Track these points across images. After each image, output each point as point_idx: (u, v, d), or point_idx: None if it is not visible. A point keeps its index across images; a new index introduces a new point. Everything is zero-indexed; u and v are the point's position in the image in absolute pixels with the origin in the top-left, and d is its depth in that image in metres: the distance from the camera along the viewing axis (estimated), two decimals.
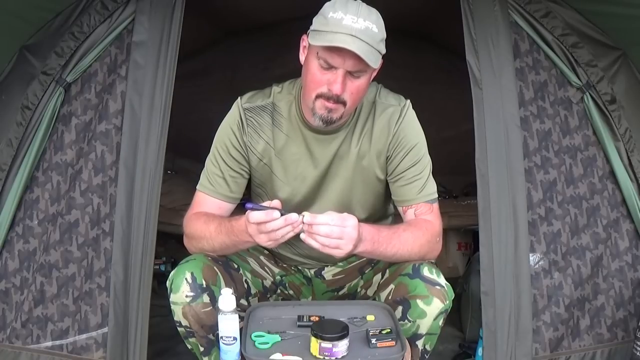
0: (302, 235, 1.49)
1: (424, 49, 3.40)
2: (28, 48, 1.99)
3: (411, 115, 1.73)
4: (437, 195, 1.75)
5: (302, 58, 1.64)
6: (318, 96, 1.57)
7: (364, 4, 1.55)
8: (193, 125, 3.09)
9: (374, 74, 1.63)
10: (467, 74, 1.91)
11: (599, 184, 2.02)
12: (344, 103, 1.57)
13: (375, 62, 1.53)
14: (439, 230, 1.72)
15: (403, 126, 1.71)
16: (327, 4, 1.56)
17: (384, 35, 1.55)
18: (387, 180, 1.77)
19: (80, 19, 1.93)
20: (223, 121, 1.76)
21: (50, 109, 1.92)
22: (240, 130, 1.72)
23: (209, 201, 1.74)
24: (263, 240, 1.50)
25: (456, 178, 3.05)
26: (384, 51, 1.56)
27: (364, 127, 1.72)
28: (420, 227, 1.68)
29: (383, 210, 1.90)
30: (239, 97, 1.76)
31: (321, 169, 1.73)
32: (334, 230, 1.46)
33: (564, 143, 2.00)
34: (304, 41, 1.62)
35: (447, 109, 3.08)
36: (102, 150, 1.91)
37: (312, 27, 1.57)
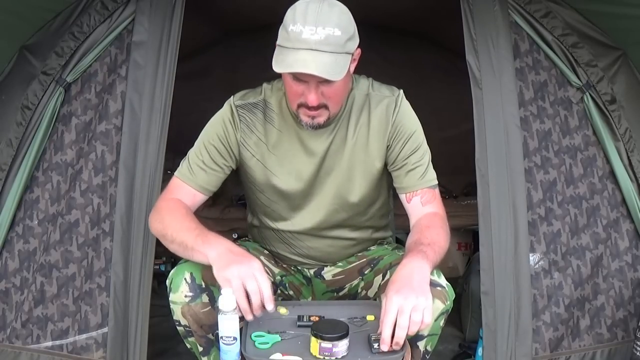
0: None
1: (423, 48, 3.40)
2: (28, 48, 1.99)
3: (406, 104, 1.75)
4: (437, 182, 1.76)
5: None
6: (299, 106, 1.59)
7: (326, 3, 1.50)
8: (193, 126, 3.07)
9: (354, 65, 1.61)
10: (466, 73, 1.91)
11: (599, 184, 2.02)
12: (325, 107, 1.58)
13: (341, 72, 1.49)
14: (445, 215, 1.74)
15: (400, 115, 1.72)
16: (288, 13, 1.52)
17: (351, 32, 1.52)
18: (386, 171, 1.78)
19: (80, 19, 1.93)
20: (213, 117, 1.76)
21: (50, 109, 1.92)
22: (233, 126, 1.72)
23: (185, 189, 1.72)
24: (222, 279, 1.47)
25: (456, 178, 3.04)
26: (352, 50, 1.54)
27: (359, 120, 1.73)
28: (437, 226, 1.68)
29: (385, 206, 1.90)
30: (231, 96, 1.76)
31: (316, 162, 1.73)
32: (404, 318, 1.39)
33: (564, 143, 2.00)
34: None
35: (447, 109, 3.08)
36: (102, 150, 1.91)
37: (277, 41, 1.54)
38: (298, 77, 1.52)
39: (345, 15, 1.52)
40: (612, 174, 2.02)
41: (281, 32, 1.53)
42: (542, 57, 1.98)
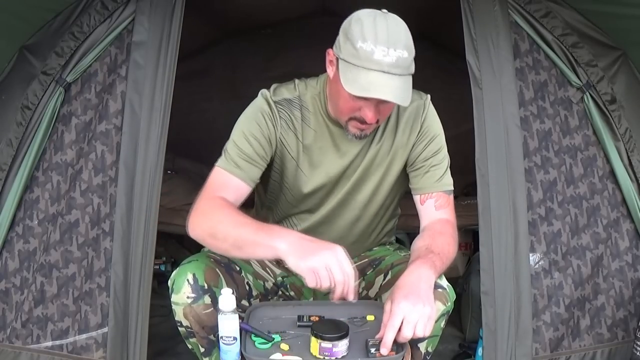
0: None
1: (424, 48, 3.37)
2: (28, 48, 1.99)
3: (433, 109, 1.77)
4: (453, 188, 1.77)
5: (329, 71, 1.60)
6: (351, 119, 1.59)
7: (391, 19, 1.49)
8: (193, 126, 3.08)
9: None
10: (467, 73, 1.91)
11: (599, 183, 2.02)
12: (377, 121, 1.59)
13: (409, 96, 1.50)
14: (455, 223, 1.74)
15: (428, 118, 1.74)
16: (354, 26, 1.49)
17: (414, 53, 1.51)
18: (402, 174, 1.78)
19: (80, 19, 1.93)
20: (250, 109, 1.70)
21: (50, 109, 1.92)
22: (273, 121, 1.68)
23: (229, 181, 1.63)
24: (306, 268, 1.39)
25: (456, 178, 3.04)
26: (414, 70, 1.53)
27: (387, 122, 1.73)
28: (447, 233, 1.68)
29: (395, 207, 1.90)
30: (264, 90, 1.71)
31: (345, 164, 1.73)
32: (410, 321, 1.39)
33: (564, 143, 2.00)
34: (330, 55, 1.58)
35: (447, 109, 3.07)
36: (102, 150, 1.91)
37: (340, 54, 1.51)
38: (362, 97, 1.50)
39: (409, 34, 1.51)
40: (612, 174, 2.02)
41: (347, 47, 1.49)
42: (542, 57, 1.98)
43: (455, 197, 3.06)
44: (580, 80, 1.98)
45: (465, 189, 3.12)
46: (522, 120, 1.94)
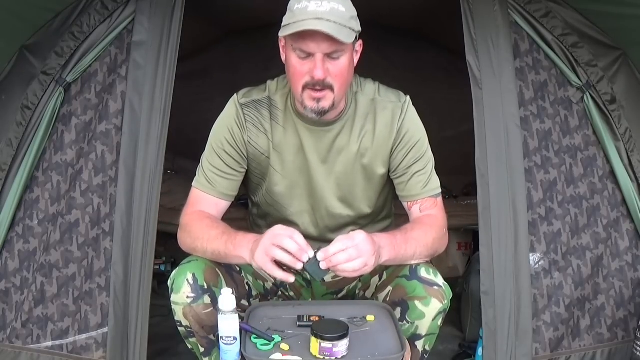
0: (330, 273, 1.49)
1: (424, 48, 3.40)
2: (28, 48, 1.99)
3: (412, 111, 1.74)
4: (440, 190, 1.77)
5: (283, 57, 1.64)
6: (304, 87, 1.57)
7: None
8: (193, 126, 3.07)
9: (357, 57, 1.64)
10: (467, 73, 1.91)
11: (599, 183, 2.02)
12: (330, 88, 1.57)
13: (348, 37, 1.52)
14: (444, 222, 1.74)
15: (406, 122, 1.72)
16: None
17: (354, 12, 1.56)
18: (389, 177, 1.78)
19: (80, 19, 1.93)
20: (220, 118, 1.76)
21: (50, 109, 1.92)
22: (240, 127, 1.72)
23: (206, 200, 1.73)
24: (260, 258, 1.47)
25: (456, 178, 3.05)
26: (357, 28, 1.56)
27: (364, 125, 1.73)
28: (426, 224, 1.70)
29: (387, 208, 1.91)
30: (234, 94, 1.76)
31: (316, 162, 1.73)
32: (351, 253, 1.44)
33: (564, 143, 2.00)
34: (282, 41, 1.62)
35: (447, 109, 3.08)
36: (102, 150, 1.91)
37: (282, 26, 1.56)
38: (305, 49, 1.52)
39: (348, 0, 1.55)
40: (612, 174, 2.02)
41: (286, 16, 1.55)
42: (542, 57, 1.98)
43: (455, 197, 3.09)
44: (580, 80, 1.98)
45: (465, 189, 3.13)
46: (522, 120, 1.94)
